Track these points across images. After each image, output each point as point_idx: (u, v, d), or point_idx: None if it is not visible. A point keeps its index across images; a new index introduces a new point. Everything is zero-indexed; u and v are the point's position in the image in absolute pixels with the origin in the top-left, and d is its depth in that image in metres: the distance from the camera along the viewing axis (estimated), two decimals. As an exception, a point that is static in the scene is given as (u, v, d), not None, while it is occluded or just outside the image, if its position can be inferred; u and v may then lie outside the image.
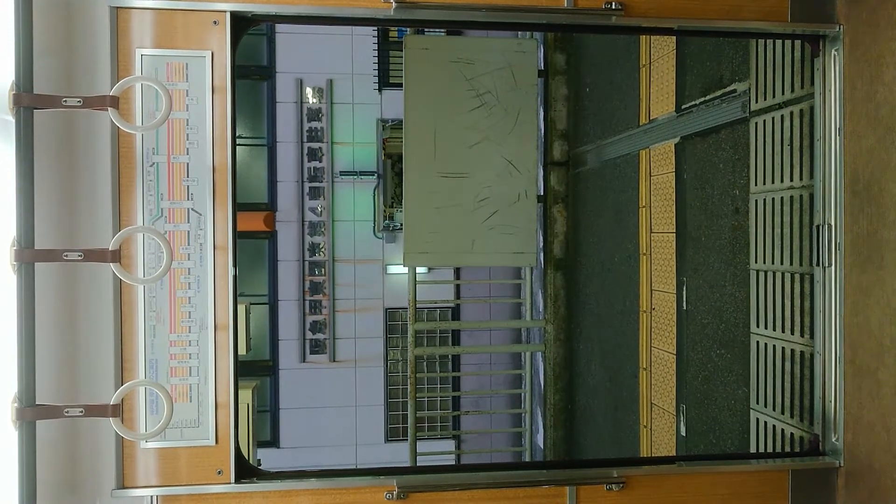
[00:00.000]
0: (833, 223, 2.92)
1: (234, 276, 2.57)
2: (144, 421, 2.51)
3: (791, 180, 3.75)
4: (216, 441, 2.56)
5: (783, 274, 3.80)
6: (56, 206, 2.41)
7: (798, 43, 3.61)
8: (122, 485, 2.50)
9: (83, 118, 2.43)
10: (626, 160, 6.56)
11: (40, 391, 2.27)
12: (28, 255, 2.20)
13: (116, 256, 2.27)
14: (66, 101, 2.24)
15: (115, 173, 2.48)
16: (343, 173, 10.48)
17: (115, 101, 2.28)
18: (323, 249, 10.44)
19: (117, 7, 2.48)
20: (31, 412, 2.19)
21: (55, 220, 2.40)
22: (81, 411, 2.24)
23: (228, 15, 2.55)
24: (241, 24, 2.60)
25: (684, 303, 5.31)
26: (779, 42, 3.83)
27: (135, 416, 2.51)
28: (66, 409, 2.23)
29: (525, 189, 6.55)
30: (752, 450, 4.16)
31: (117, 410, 2.27)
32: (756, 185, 4.16)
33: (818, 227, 2.98)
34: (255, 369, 10.24)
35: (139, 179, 2.51)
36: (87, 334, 2.47)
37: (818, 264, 2.99)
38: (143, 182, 2.51)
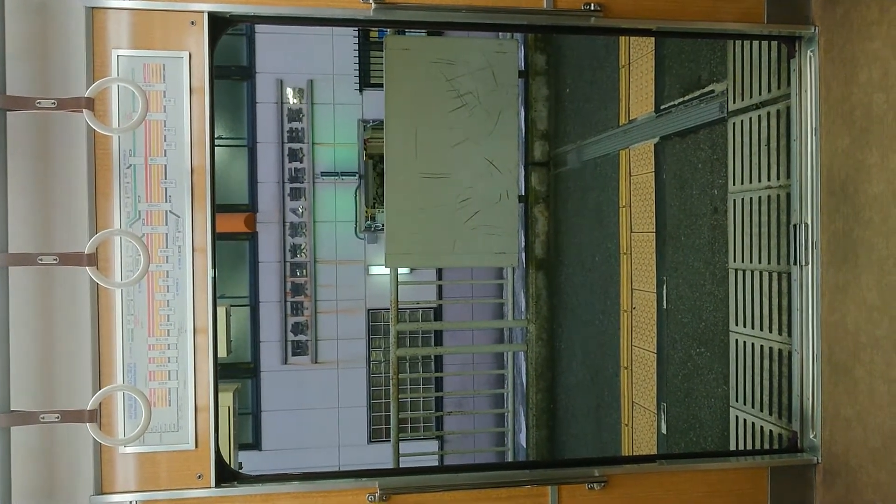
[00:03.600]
0: (810, 222, 2.95)
1: (214, 279, 2.55)
2: (123, 426, 2.48)
3: (768, 180, 3.79)
4: (196, 445, 2.54)
5: (761, 273, 3.83)
6: (30, 210, 2.37)
7: (775, 44, 3.65)
8: (100, 491, 2.47)
9: (58, 120, 2.40)
10: (606, 160, 6.60)
11: (15, 397, 2.24)
12: (2, 259, 2.17)
13: (93, 260, 2.25)
14: (39, 102, 2.22)
15: (92, 176, 2.45)
16: (324, 174, 10.44)
17: (90, 103, 2.25)
18: (304, 250, 10.40)
19: (93, 7, 2.45)
20: (5, 418, 2.16)
21: (30, 223, 2.37)
22: (58, 417, 2.21)
23: (206, 15, 2.53)
24: (219, 24, 2.58)
25: (664, 302, 5.35)
26: (756, 43, 3.87)
27: (113, 420, 2.48)
28: (42, 415, 2.20)
29: (506, 189, 6.56)
30: (732, 447, 4.20)
31: (94, 416, 2.25)
32: (734, 184, 4.20)
33: (795, 226, 3.02)
34: (237, 371, 10.17)
35: (116, 182, 2.48)
36: (64, 339, 2.43)
37: (795, 263, 3.03)
38: (120, 184, 2.48)
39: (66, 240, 2.41)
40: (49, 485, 2.42)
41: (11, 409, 2.22)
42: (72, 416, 2.23)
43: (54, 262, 2.21)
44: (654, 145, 5.51)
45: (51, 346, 2.42)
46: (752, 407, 3.93)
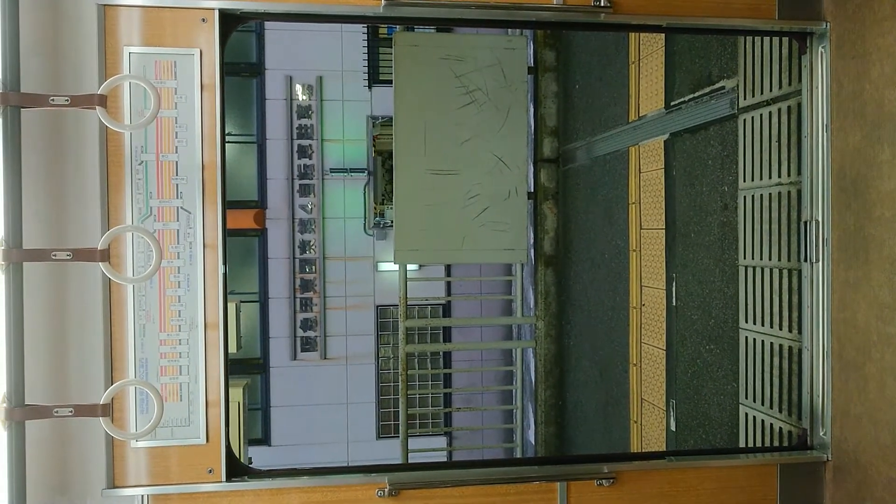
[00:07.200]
0: (820, 219, 2.94)
1: (224, 275, 2.57)
2: (135, 420, 2.50)
3: (779, 177, 3.78)
4: (207, 440, 2.56)
5: (771, 270, 3.82)
6: (44, 206, 2.40)
7: (786, 40, 3.63)
8: (112, 484, 2.49)
9: (71, 117, 2.41)
10: (615, 157, 6.58)
11: (29, 391, 2.27)
12: (16, 255, 2.19)
13: (105, 256, 2.27)
14: (53, 99, 2.23)
15: (104, 172, 2.47)
16: (333, 170, 10.46)
17: (102, 100, 2.27)
18: (313, 247, 10.43)
19: (105, 5, 2.47)
20: (20, 412, 2.19)
21: (43, 219, 2.39)
22: (71, 411, 2.23)
23: (217, 12, 2.54)
24: (230, 21, 2.59)
25: (674, 299, 5.33)
26: (766, 39, 3.85)
27: (125, 415, 2.50)
28: (55, 409, 2.22)
29: (515, 186, 6.55)
30: (742, 444, 4.19)
31: (107, 410, 2.27)
32: (744, 181, 4.18)
33: (806, 223, 3.00)
34: (246, 367, 10.22)
35: (128, 178, 2.50)
36: (77, 334, 2.46)
37: (806, 260, 3.01)
38: (132, 181, 2.50)
39: (78, 236, 2.43)
40: (62, 478, 2.44)
41: (26, 403, 2.25)
42: (85, 410, 2.25)
43: (67, 257, 2.23)
44: (664, 142, 5.49)
45: (64, 340, 2.45)
46: (762, 404, 3.92)
